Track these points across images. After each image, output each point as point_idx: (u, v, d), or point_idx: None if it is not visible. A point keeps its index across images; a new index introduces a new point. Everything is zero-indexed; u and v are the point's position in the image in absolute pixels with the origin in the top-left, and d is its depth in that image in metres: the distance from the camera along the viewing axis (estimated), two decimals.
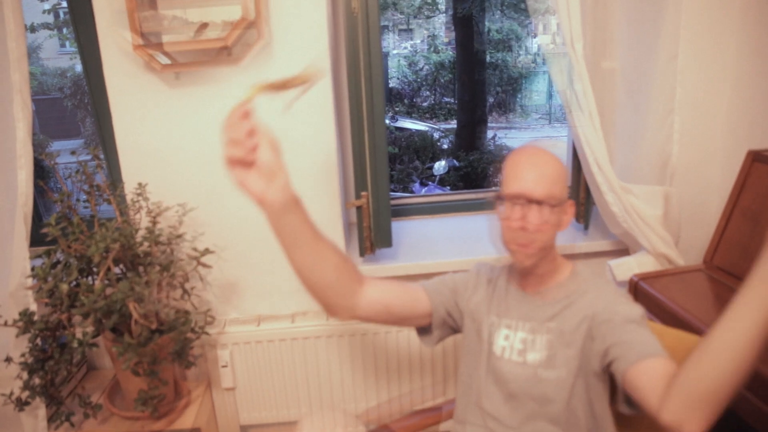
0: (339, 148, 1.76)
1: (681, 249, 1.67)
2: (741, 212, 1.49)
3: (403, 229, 2.04)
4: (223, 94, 1.62)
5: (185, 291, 1.50)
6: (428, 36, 10.89)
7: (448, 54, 10.24)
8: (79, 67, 6.44)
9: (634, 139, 1.66)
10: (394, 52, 11.44)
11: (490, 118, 9.22)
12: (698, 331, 1.24)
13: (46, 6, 5.65)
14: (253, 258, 1.74)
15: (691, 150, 1.70)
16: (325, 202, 1.73)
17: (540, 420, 1.03)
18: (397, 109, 10.26)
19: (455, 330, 1.20)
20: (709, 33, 1.63)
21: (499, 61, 9.79)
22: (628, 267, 1.65)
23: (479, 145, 7.36)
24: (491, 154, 7.21)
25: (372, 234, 1.74)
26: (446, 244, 1.89)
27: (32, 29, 5.58)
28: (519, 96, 10.42)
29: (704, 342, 0.76)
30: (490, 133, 7.99)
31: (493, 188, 2.08)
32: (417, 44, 11.37)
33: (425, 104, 10.50)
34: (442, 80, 10.32)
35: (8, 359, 1.33)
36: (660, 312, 1.42)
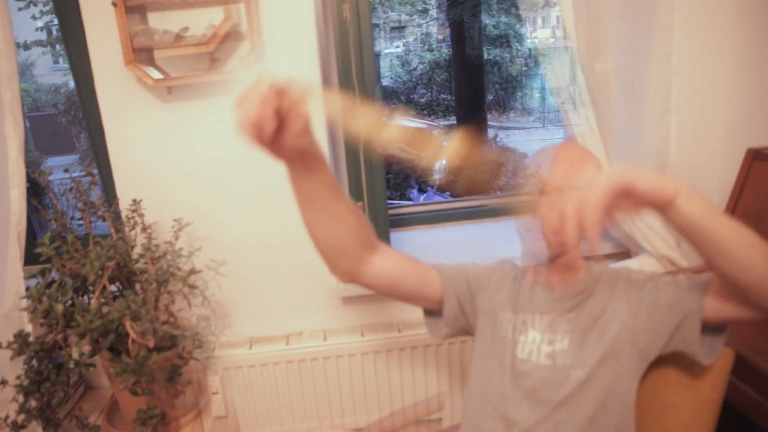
0: (332, 155, 1.72)
1: (683, 250, 1.65)
2: (743, 211, 1.48)
3: (402, 240, 1.97)
4: (215, 107, 1.60)
5: (171, 314, 1.48)
6: (421, 34, 10.27)
7: (443, 52, 9.76)
8: (72, 83, 6.44)
9: (631, 140, 1.65)
10: (386, 51, 10.88)
11: (489, 117, 8.79)
12: None
13: (39, 24, 5.66)
14: (251, 272, 1.72)
15: (689, 150, 1.69)
16: None
17: (569, 425, 0.97)
18: (392, 107, 9.86)
19: (466, 330, 1.13)
20: (703, 32, 1.63)
21: (497, 58, 9.32)
22: None
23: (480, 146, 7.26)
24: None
25: None
26: (449, 255, 1.79)
27: (25, 47, 5.58)
28: (519, 94, 9.98)
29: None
30: (490, 133, 7.64)
31: (499, 193, 2.04)
32: (410, 42, 10.66)
33: (422, 101, 10.04)
34: (438, 79, 9.90)
35: (3, 382, 1.31)
36: None
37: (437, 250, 1.87)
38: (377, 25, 10.54)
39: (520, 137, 8.64)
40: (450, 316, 1.08)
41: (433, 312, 1.11)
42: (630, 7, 1.54)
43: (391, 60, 10.36)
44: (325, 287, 1.76)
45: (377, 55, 10.26)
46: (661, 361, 1.05)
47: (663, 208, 0.77)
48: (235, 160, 1.64)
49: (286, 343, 1.73)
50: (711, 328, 0.94)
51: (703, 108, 1.68)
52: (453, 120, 8.19)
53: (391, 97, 9.96)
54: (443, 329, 1.10)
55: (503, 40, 9.29)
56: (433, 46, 10.10)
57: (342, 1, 1.56)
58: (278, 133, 0.74)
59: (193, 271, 1.49)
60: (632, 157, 1.66)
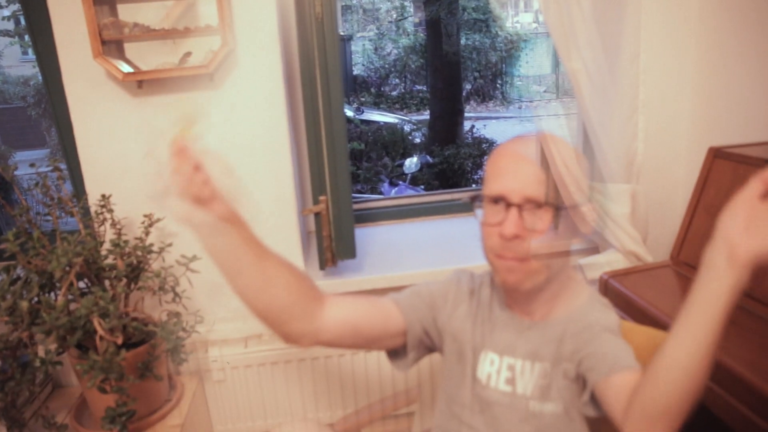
0: (293, 147, 1.69)
1: (649, 246, 1.69)
2: (704, 208, 1.52)
3: (369, 236, 1.89)
4: (188, 102, 1.59)
5: (141, 310, 1.46)
6: (396, 17, 9.35)
7: (419, 36, 8.90)
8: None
9: (600, 138, 1.68)
10: (359, 35, 9.93)
11: (467, 108, 8.12)
12: (667, 328, 1.26)
13: (6, 12, 5.49)
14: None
15: (656, 148, 1.74)
16: (278, 209, 1.65)
17: None
18: (363, 99, 8.81)
19: (431, 350, 1.06)
20: (669, 32, 1.67)
21: (476, 43, 8.49)
22: (597, 265, 1.67)
23: (455, 139, 6.50)
24: (469, 147, 6.30)
25: (333, 244, 1.58)
26: (419, 253, 1.74)
27: None
28: (499, 82, 9.13)
29: (659, 357, 0.72)
30: (467, 125, 7.00)
31: (473, 188, 1.99)
32: (384, 26, 9.73)
33: (394, 93, 9.23)
34: (413, 66, 9.07)
35: None
36: (630, 309, 1.44)
37: (406, 247, 1.79)
38: (350, 7, 9.76)
39: (498, 128, 8.01)
40: (414, 342, 1.01)
41: (396, 351, 1.03)
42: (600, 8, 1.57)
43: (364, 45, 9.56)
44: None
45: (349, 38, 9.43)
46: None
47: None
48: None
49: (244, 346, 1.68)
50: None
51: (669, 108, 1.72)
52: (427, 114, 7.64)
53: (361, 88, 9.19)
54: (410, 354, 1.02)
55: (483, 25, 8.47)
56: (408, 31, 9.26)
57: None
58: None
59: (163, 268, 1.47)
60: (601, 155, 1.69)
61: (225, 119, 1.60)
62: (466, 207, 1.92)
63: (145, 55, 1.57)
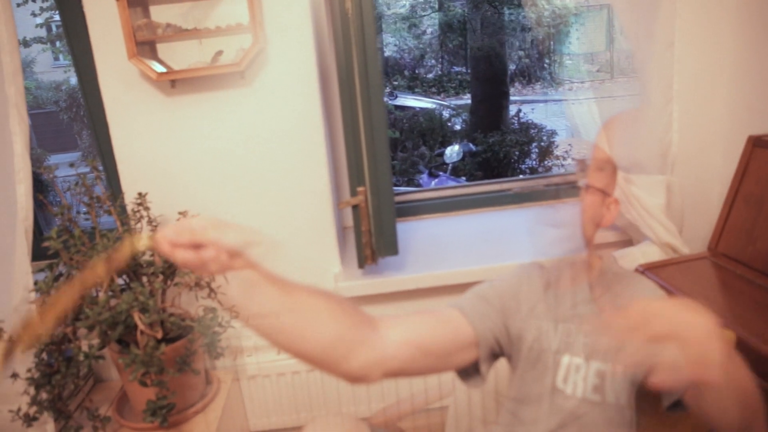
0: (328, 135, 1.64)
1: (685, 237, 1.66)
2: (743, 198, 1.48)
3: (410, 231, 1.75)
4: (219, 100, 1.61)
5: (179, 306, 1.49)
6: None
7: (456, 12, 7.91)
8: (73, 80, 6.45)
9: (633, 127, 1.66)
10: (390, 12, 8.90)
11: (512, 90, 7.27)
12: None
13: (39, 20, 5.65)
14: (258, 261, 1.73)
15: (691, 138, 1.70)
16: (312, 203, 1.61)
17: None
18: (396, 83, 7.82)
19: (499, 357, 0.97)
20: (705, 20, 1.63)
21: (521, 19, 7.52)
22: (633, 258, 1.64)
23: (500, 125, 5.86)
24: (516, 134, 5.64)
25: (373, 239, 1.47)
26: (466, 249, 1.60)
27: (25, 44, 5.57)
28: (547, 61, 8.29)
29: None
30: (513, 109, 6.29)
31: (522, 177, 1.81)
32: (418, 1, 8.55)
33: (430, 75, 8.31)
34: (451, 45, 8.14)
35: (14, 375, 1.33)
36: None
37: (452, 242, 1.66)
38: None
39: (547, 111, 7.31)
40: (486, 354, 0.91)
41: (466, 370, 0.93)
42: None
43: (396, 23, 8.41)
44: (328, 288, 1.71)
45: (379, 17, 8.30)
46: None
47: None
48: (239, 154, 1.65)
49: (278, 352, 1.66)
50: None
51: (705, 96, 1.68)
52: (467, 98, 6.73)
53: (393, 71, 8.18)
54: (482, 368, 0.92)
55: None
56: (445, 5, 8.18)
57: None
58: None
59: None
60: (634, 145, 1.67)
61: (256, 115, 1.62)
62: (517, 198, 1.79)
63: (176, 55, 1.60)
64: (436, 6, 7.79)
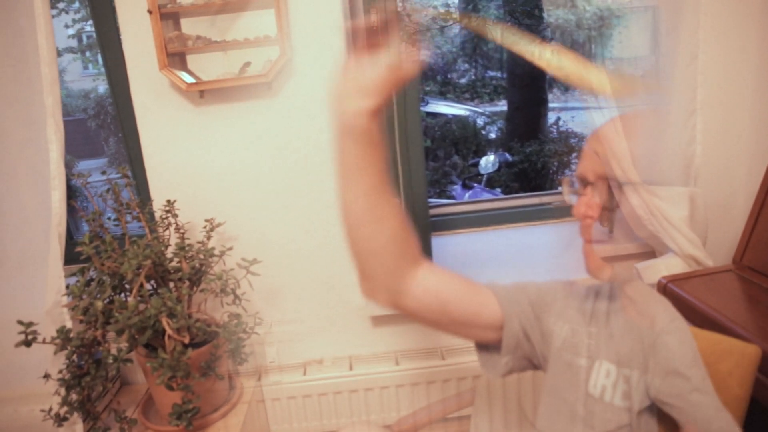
0: None
1: (709, 250, 1.64)
2: None
3: (445, 246, 1.71)
4: (247, 110, 1.65)
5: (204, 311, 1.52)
6: None
7: (490, 13, 7.50)
8: (101, 88, 6.61)
9: (655, 140, 1.65)
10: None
11: (551, 97, 6.83)
12: (730, 332, 1.23)
13: (71, 31, 5.81)
14: (275, 279, 1.76)
15: (715, 150, 1.69)
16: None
17: None
18: (427, 88, 7.36)
19: (530, 361, 0.94)
20: (729, 31, 1.62)
21: (560, 21, 7.59)
22: (656, 269, 1.63)
23: (538, 133, 5.52)
24: (555, 143, 5.34)
25: None
26: (503, 266, 1.55)
27: (58, 54, 5.73)
28: None
29: None
30: (552, 117, 5.95)
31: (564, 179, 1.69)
32: (450, 3, 7.95)
33: (463, 81, 7.87)
34: (485, 48, 7.78)
35: (47, 376, 1.37)
36: (690, 314, 1.40)
37: (488, 258, 1.60)
38: None
39: (588, 119, 7.07)
40: (511, 343, 0.89)
41: (487, 346, 0.93)
42: (656, 6, 1.54)
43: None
44: (352, 305, 1.67)
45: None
46: None
47: None
48: (265, 163, 1.68)
49: (303, 373, 1.61)
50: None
51: (729, 108, 1.68)
52: (503, 104, 6.48)
53: (424, 76, 7.72)
54: (503, 359, 0.91)
55: None
56: (480, 6, 7.71)
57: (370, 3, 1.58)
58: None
59: (224, 271, 1.53)
60: (656, 158, 1.66)
61: (282, 125, 1.65)
62: (556, 213, 1.75)
63: (205, 66, 1.64)
64: (470, 8, 7.40)
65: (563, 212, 1.71)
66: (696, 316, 1.38)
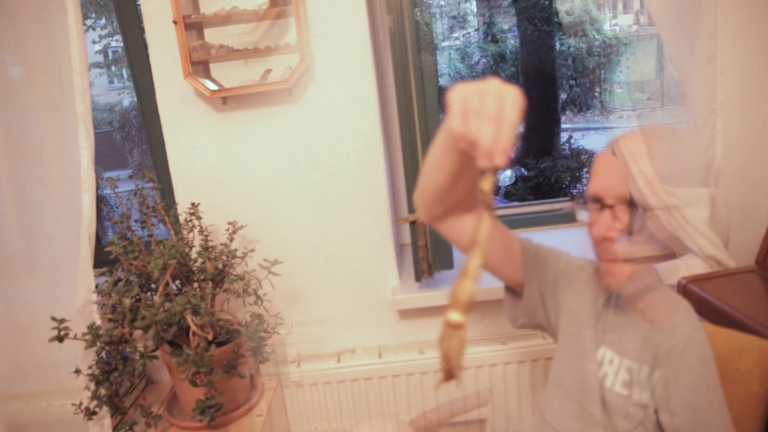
0: (386, 154, 1.74)
1: (732, 251, 1.63)
2: None
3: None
4: (267, 116, 1.70)
5: (227, 311, 1.55)
6: (484, 23, 8.73)
7: (508, 43, 8.38)
8: (126, 102, 6.80)
9: (675, 147, 1.65)
10: (444, 44, 9.18)
11: (563, 118, 7.54)
12: (751, 330, 1.22)
13: (97, 47, 6.01)
14: (301, 280, 1.79)
15: (736, 151, 1.67)
16: (372, 218, 1.71)
17: None
18: None
19: (541, 326, 1.02)
20: (748, 31, 1.61)
21: (572, 49, 7.87)
22: (675, 270, 1.62)
23: (552, 150, 6.06)
24: (567, 160, 5.84)
25: (429, 254, 1.55)
26: None
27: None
28: (597, 90, 8.47)
29: None
30: (564, 136, 6.56)
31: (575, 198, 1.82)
32: (471, 33, 9.13)
33: None
34: (503, 75, 8.19)
35: (77, 371, 1.42)
36: (711, 314, 1.39)
37: None
38: (434, 15, 9.04)
39: (598, 139, 7.52)
40: (529, 306, 0.97)
41: (514, 291, 1.00)
42: (674, 6, 1.54)
43: (450, 54, 8.88)
44: (380, 299, 1.74)
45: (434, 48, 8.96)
46: None
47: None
48: (286, 167, 1.72)
49: (337, 360, 1.71)
50: None
51: (750, 107, 1.66)
52: (520, 126, 7.49)
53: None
54: (520, 319, 0.99)
55: (578, 28, 7.82)
56: (497, 37, 8.59)
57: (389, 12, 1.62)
58: None
59: (246, 272, 1.57)
60: (677, 160, 1.66)
61: (303, 131, 1.70)
62: (567, 218, 1.87)
63: (227, 74, 1.70)
64: (489, 38, 8.33)
65: (572, 217, 1.80)
66: (716, 316, 1.37)
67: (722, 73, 1.61)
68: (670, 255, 1.74)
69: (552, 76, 6.31)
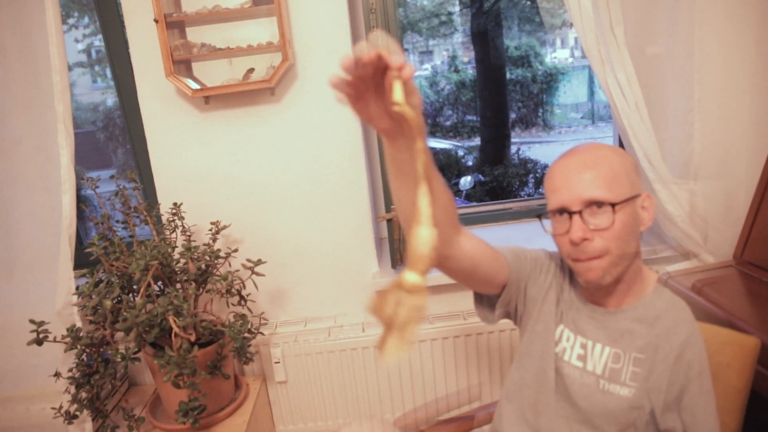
0: (367, 161, 1.79)
1: (710, 246, 1.65)
2: None
3: None
4: (250, 115, 1.69)
5: (210, 311, 1.54)
6: (448, 57, 11.32)
7: (468, 73, 10.67)
8: (110, 101, 6.71)
9: (653, 139, 1.67)
10: (415, 74, 11.37)
11: (513, 134, 9.36)
12: (730, 325, 1.24)
13: (80, 46, 5.92)
14: (286, 274, 1.80)
15: (714, 147, 1.70)
16: (356, 217, 1.78)
17: None
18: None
19: (511, 315, 1.10)
20: (725, 29, 1.63)
21: (519, 77, 10.04)
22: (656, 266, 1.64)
23: (503, 160, 7.54)
24: (516, 167, 7.47)
25: (402, 246, 1.79)
26: None
27: (68, 68, 5.82)
28: (540, 110, 10.49)
29: None
30: (513, 148, 8.18)
31: (520, 199, 2.07)
32: (437, 65, 11.73)
33: (448, 123, 10.71)
34: (464, 99, 10.52)
35: (57, 374, 1.40)
36: (690, 309, 1.41)
37: None
38: (407, 50, 11.49)
39: (541, 150, 9.29)
40: (505, 300, 1.05)
41: (481, 297, 1.08)
42: (602, 45, 1.55)
43: (420, 82, 11.16)
44: (362, 283, 1.83)
45: None
46: None
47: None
48: (269, 166, 1.72)
49: (328, 335, 1.82)
50: None
51: (727, 105, 1.69)
52: (477, 140, 8.94)
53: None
54: (498, 310, 1.06)
55: (524, 61, 10.05)
56: (459, 67, 10.96)
57: (370, 12, 1.62)
58: (373, 99, 0.77)
59: (229, 272, 1.56)
60: (655, 157, 1.68)
61: (286, 130, 1.69)
62: (517, 215, 2.13)
63: (210, 73, 1.69)
64: (452, 68, 10.66)
65: (520, 215, 2.13)
66: (695, 311, 1.38)
67: (699, 71, 1.63)
68: (650, 251, 1.76)
69: (503, 100, 7.95)
